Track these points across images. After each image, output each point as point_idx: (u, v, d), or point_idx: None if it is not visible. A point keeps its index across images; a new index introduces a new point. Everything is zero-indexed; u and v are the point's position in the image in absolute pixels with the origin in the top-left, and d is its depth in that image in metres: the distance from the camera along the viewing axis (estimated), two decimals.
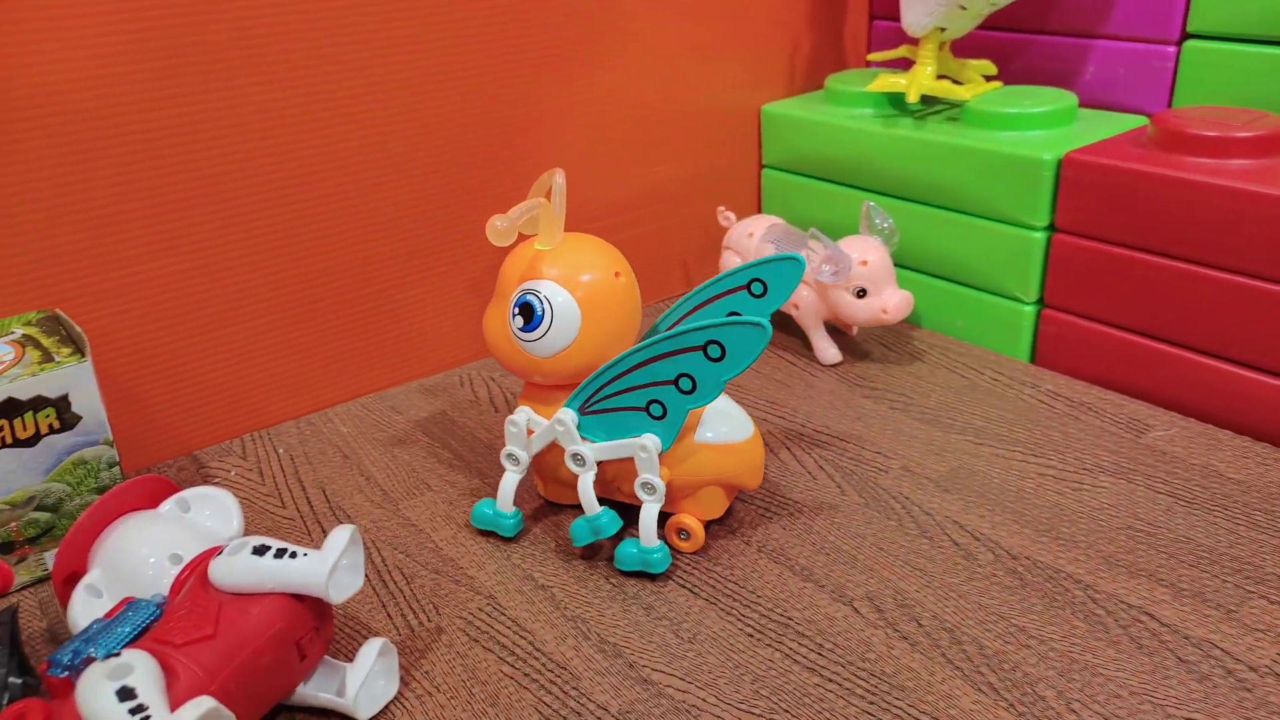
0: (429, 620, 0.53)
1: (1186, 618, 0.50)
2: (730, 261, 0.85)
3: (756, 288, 0.58)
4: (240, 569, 0.43)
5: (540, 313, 0.54)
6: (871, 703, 0.46)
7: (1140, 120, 0.78)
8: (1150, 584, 0.53)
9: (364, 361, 0.77)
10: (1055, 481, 0.62)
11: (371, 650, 0.45)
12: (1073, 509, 0.60)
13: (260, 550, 0.43)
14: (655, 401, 0.53)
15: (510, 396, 0.76)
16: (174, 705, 0.38)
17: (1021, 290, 0.77)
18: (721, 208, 0.88)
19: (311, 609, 0.44)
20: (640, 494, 0.55)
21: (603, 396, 0.55)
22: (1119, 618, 0.51)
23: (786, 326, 0.86)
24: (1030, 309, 0.78)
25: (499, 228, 0.54)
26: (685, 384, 0.52)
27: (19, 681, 0.45)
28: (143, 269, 0.65)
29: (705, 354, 0.51)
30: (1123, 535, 0.57)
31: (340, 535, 0.44)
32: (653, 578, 0.56)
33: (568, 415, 0.55)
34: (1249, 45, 0.74)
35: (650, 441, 0.54)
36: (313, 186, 0.70)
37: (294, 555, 0.43)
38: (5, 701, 0.44)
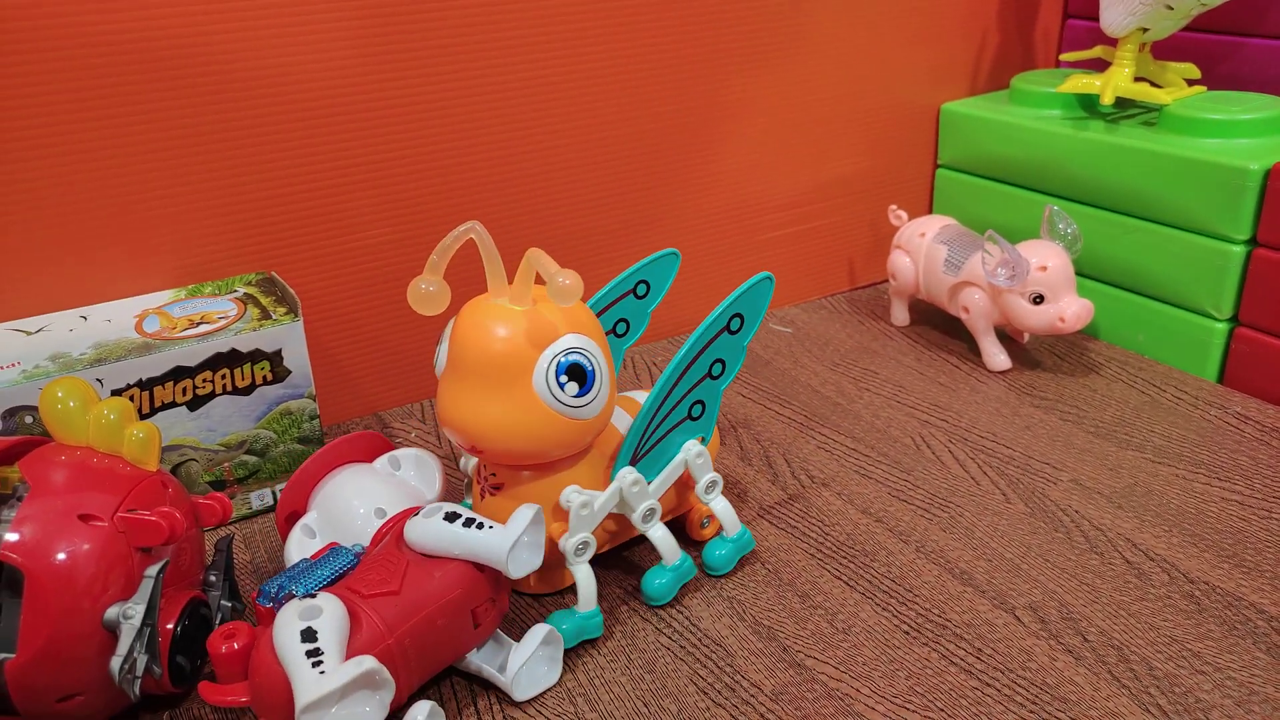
0: None
1: None
2: (900, 261, 0.84)
3: (641, 290, 0.62)
4: (431, 532, 0.46)
5: (592, 370, 0.48)
6: (1031, 712, 0.46)
7: None
8: None
9: None
10: (1240, 507, 0.59)
11: (537, 635, 0.47)
12: (1259, 537, 0.57)
13: (451, 517, 0.46)
14: (697, 402, 0.53)
15: None
16: (352, 651, 0.41)
17: (1214, 306, 0.73)
18: (893, 206, 0.87)
19: (490, 580, 0.47)
20: (704, 497, 0.55)
21: (654, 431, 0.52)
22: None
23: (954, 330, 0.84)
24: (1223, 326, 0.74)
25: (429, 291, 0.46)
26: (717, 369, 0.53)
27: (229, 605, 0.50)
28: (352, 238, 0.70)
29: (729, 330, 0.52)
30: None
31: (524, 513, 0.46)
32: (804, 566, 0.56)
33: (632, 473, 0.51)
34: None
35: (696, 444, 0.54)
36: (516, 167, 0.74)
37: (481, 526, 0.46)
38: (219, 621, 0.49)
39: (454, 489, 0.65)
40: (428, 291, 0.45)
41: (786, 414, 0.73)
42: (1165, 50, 0.87)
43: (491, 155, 0.73)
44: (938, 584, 0.54)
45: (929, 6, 0.89)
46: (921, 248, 0.82)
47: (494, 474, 0.51)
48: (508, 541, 0.45)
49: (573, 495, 0.50)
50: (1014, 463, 0.65)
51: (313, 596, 0.43)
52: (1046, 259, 0.73)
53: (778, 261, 0.90)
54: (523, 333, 0.47)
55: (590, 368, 0.47)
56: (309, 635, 0.40)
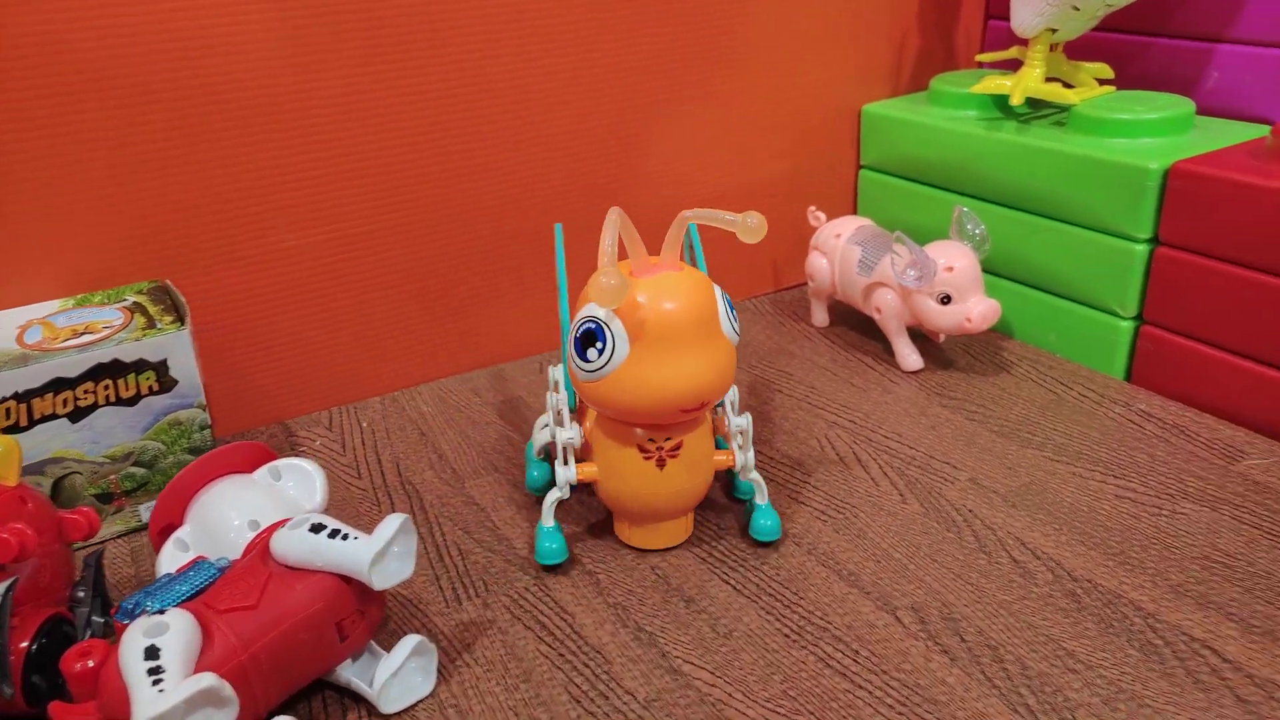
0: (477, 595, 0.55)
1: (1253, 656, 0.48)
2: (817, 262, 0.84)
3: None
4: (295, 544, 0.46)
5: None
6: (900, 713, 0.46)
7: (1263, 130, 0.74)
8: (1219, 618, 0.50)
9: (450, 344, 0.80)
10: (1132, 505, 0.60)
11: (406, 646, 0.47)
12: (1147, 534, 0.57)
13: (316, 528, 0.46)
14: None
15: None
16: (203, 668, 0.40)
17: (1120, 304, 0.74)
18: (812, 208, 0.87)
19: (357, 592, 0.46)
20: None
21: None
22: (1178, 650, 0.48)
23: (871, 331, 0.85)
24: (1128, 324, 0.74)
25: (616, 285, 0.47)
26: None
27: (101, 621, 0.49)
28: (250, 245, 0.69)
29: None
30: (1197, 565, 0.54)
31: (390, 523, 0.45)
32: (693, 571, 0.56)
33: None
34: None
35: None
36: (417, 168, 0.73)
37: (345, 537, 0.45)
38: (86, 637, 0.48)
39: (342, 500, 0.64)
40: (615, 285, 0.47)
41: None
42: (1079, 50, 0.87)
43: (404, 158, 0.73)
44: (825, 586, 0.54)
45: (852, 7, 0.89)
46: (837, 249, 0.82)
47: (669, 438, 0.54)
48: (370, 552, 0.44)
49: (742, 421, 0.57)
50: (915, 463, 0.65)
51: (163, 613, 0.42)
52: (954, 259, 0.73)
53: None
54: (703, 286, 0.52)
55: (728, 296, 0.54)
56: (151, 653, 0.40)
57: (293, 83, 0.67)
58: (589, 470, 0.56)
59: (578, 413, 0.60)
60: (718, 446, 0.59)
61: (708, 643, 0.51)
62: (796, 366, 0.80)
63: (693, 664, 0.49)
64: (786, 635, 0.51)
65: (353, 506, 0.64)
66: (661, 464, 0.54)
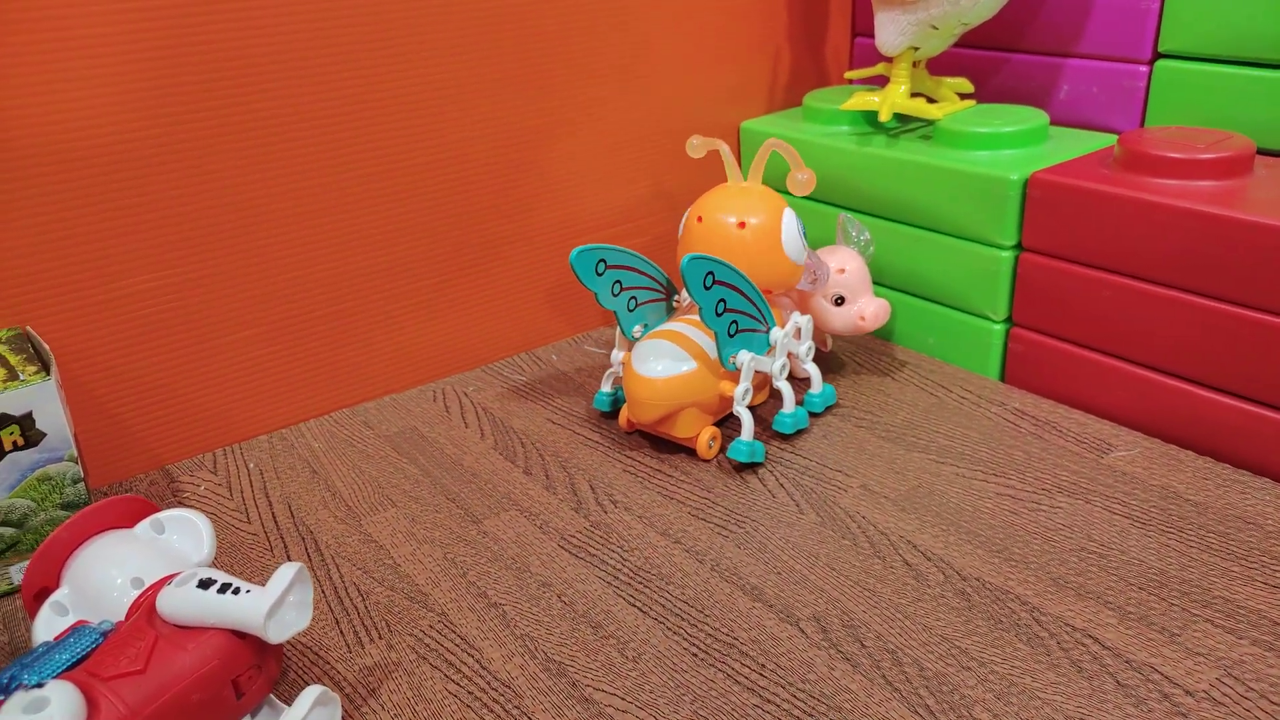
0: (380, 637, 0.54)
1: (1130, 641, 0.51)
2: None
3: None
4: (183, 602, 0.44)
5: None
6: None
7: (1112, 140, 0.79)
8: (1097, 606, 0.53)
9: (338, 376, 0.78)
10: (1012, 501, 0.63)
11: (308, 699, 0.45)
12: (1027, 529, 0.60)
13: (205, 584, 0.44)
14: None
15: (482, 410, 0.77)
16: None
17: (990, 309, 0.77)
18: None
19: (252, 646, 0.44)
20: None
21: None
22: (1062, 640, 0.51)
23: None
24: (999, 327, 0.78)
25: (808, 177, 0.72)
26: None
27: None
28: (117, 286, 0.66)
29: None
30: (1074, 557, 0.57)
31: (284, 573, 0.44)
32: (599, 595, 0.56)
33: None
34: (1220, 65, 0.74)
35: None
36: (289, 202, 0.71)
37: (237, 591, 0.44)
38: None
39: (232, 547, 0.62)
40: (808, 177, 0.71)
41: (595, 438, 0.73)
42: (942, 66, 0.91)
43: (277, 190, 0.70)
44: (729, 602, 0.55)
45: (722, 26, 0.91)
46: None
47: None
48: (265, 605, 0.43)
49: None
50: (809, 473, 0.67)
51: (42, 686, 0.40)
52: (845, 262, 0.76)
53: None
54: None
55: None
56: None
57: (135, 125, 0.64)
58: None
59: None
60: None
61: (617, 668, 0.51)
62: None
63: (604, 690, 0.49)
64: (694, 654, 0.52)
65: (244, 553, 0.61)
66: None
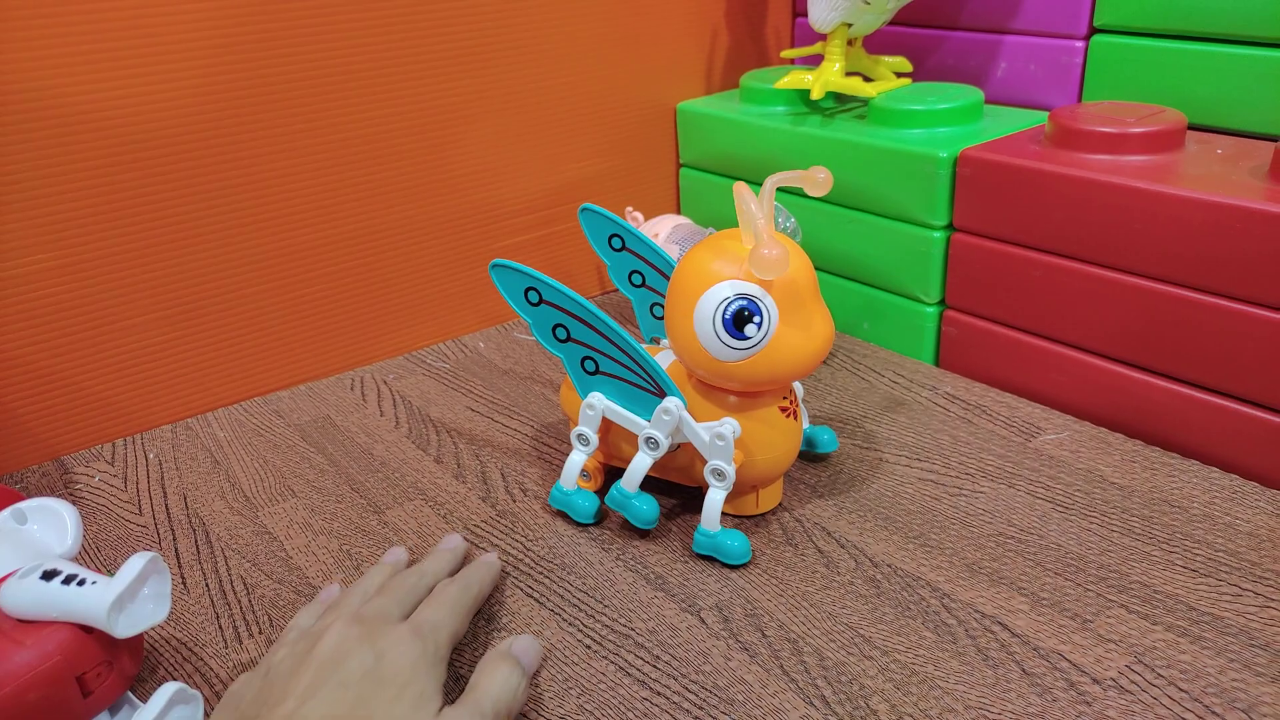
0: (260, 632, 0.51)
1: (1040, 628, 0.48)
2: None
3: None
4: (25, 595, 0.41)
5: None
6: (696, 717, 0.44)
7: (1045, 116, 0.77)
8: (1009, 593, 0.51)
9: (250, 363, 0.75)
10: (935, 486, 0.60)
11: (162, 696, 0.42)
12: (946, 514, 0.58)
13: (49, 575, 0.41)
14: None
15: (400, 398, 0.75)
16: None
17: (923, 291, 0.75)
18: (629, 208, 0.86)
19: (100, 642, 0.42)
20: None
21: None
22: (970, 628, 0.49)
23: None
24: (932, 310, 0.76)
25: (779, 255, 0.47)
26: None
27: None
28: (9, 266, 0.63)
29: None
30: (992, 542, 0.55)
31: (134, 564, 0.41)
32: (504, 586, 0.54)
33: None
34: (1155, 40, 0.72)
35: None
36: (196, 181, 0.69)
37: (82, 582, 0.41)
38: None
39: (118, 539, 0.59)
40: (780, 255, 0.47)
41: (513, 426, 0.70)
42: (879, 44, 0.89)
43: (184, 168, 0.68)
44: (630, 592, 0.53)
45: (663, 6, 0.88)
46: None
47: (789, 389, 0.55)
48: (109, 597, 0.40)
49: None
50: None
51: None
52: None
53: None
54: (795, 244, 0.53)
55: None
56: None
57: (36, 94, 0.61)
58: (736, 456, 0.54)
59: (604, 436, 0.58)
60: None
61: None
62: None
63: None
64: (588, 646, 0.49)
65: (130, 546, 0.59)
66: (795, 415, 0.55)
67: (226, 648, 0.50)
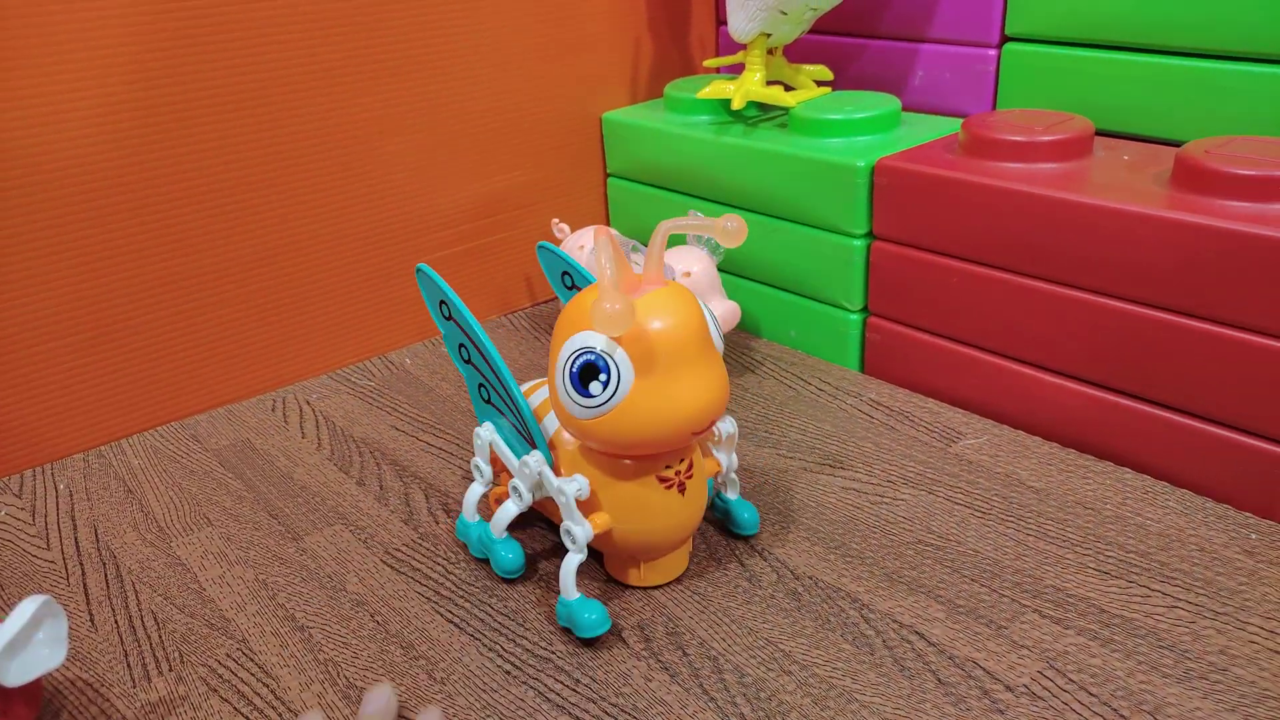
0: (170, 669, 0.50)
1: (956, 636, 0.49)
2: None
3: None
4: None
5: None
6: None
7: (959, 124, 0.78)
8: (927, 601, 0.51)
9: (165, 387, 0.73)
10: (856, 495, 0.61)
11: None
12: (867, 523, 0.58)
13: None
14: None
15: (323, 419, 0.73)
16: None
17: (846, 298, 0.76)
18: (555, 220, 0.86)
19: None
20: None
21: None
22: (888, 638, 0.49)
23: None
24: (856, 317, 0.76)
25: (620, 310, 0.42)
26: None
27: None
28: None
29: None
30: (911, 550, 0.56)
31: (24, 608, 0.40)
32: (416, 613, 0.53)
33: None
34: (1066, 48, 0.74)
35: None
36: (107, 197, 0.67)
37: None
38: None
39: (24, 576, 0.57)
40: (622, 310, 0.42)
41: (437, 444, 0.70)
42: (801, 53, 0.90)
43: (91, 184, 0.66)
44: (552, 614, 0.52)
45: (586, 15, 0.88)
46: (582, 260, 0.81)
47: (683, 459, 0.50)
48: None
49: (729, 426, 0.55)
50: None
51: None
52: (690, 265, 0.74)
53: (451, 281, 0.87)
54: (692, 300, 0.48)
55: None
56: None
57: None
58: (601, 520, 0.50)
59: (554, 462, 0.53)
60: None
61: (423, 690, 0.48)
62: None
63: (405, 715, 0.46)
64: (508, 671, 0.49)
65: (36, 582, 0.57)
66: (683, 489, 0.50)
67: (135, 686, 0.49)
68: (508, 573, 0.54)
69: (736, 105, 0.80)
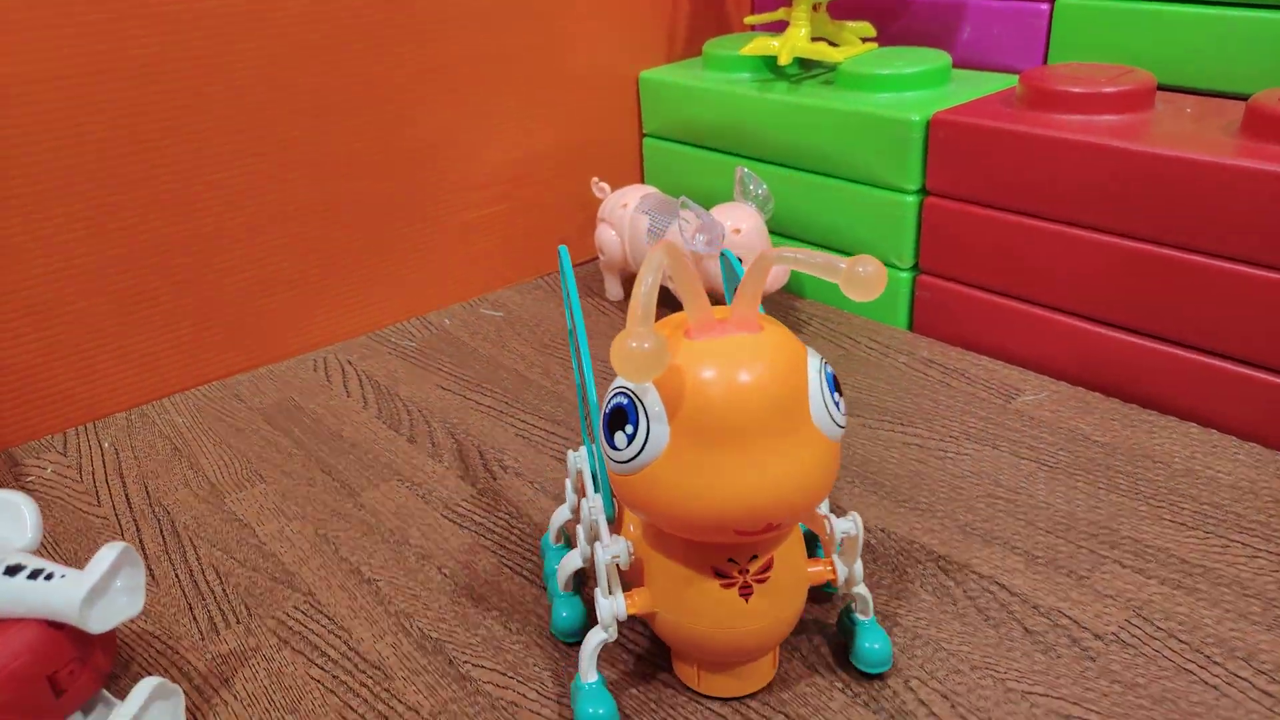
0: (238, 622, 0.49)
1: (1038, 586, 0.48)
2: (605, 235, 0.81)
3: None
4: None
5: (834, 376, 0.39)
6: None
7: (1015, 80, 0.76)
8: (1004, 553, 0.51)
9: (207, 347, 0.72)
10: (920, 450, 0.60)
11: (141, 692, 0.40)
12: (934, 478, 0.57)
13: (12, 570, 0.39)
14: None
15: (366, 378, 0.72)
16: None
17: (896, 256, 0.75)
18: (595, 179, 0.84)
19: (73, 638, 0.39)
20: None
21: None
22: (968, 589, 0.48)
23: (667, 300, 0.83)
24: (906, 275, 0.75)
25: (648, 350, 0.32)
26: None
27: None
28: None
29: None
30: (981, 503, 0.55)
31: (106, 555, 0.39)
32: (484, 566, 0.52)
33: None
34: (1119, 2, 0.72)
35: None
36: (152, 154, 0.65)
37: (50, 576, 0.39)
38: None
39: (78, 532, 0.56)
40: (647, 352, 0.32)
41: (485, 402, 0.68)
42: (844, 10, 0.88)
43: (137, 142, 0.64)
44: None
45: None
46: (625, 219, 0.80)
47: (755, 556, 0.38)
48: (80, 591, 0.38)
49: (849, 525, 0.42)
50: None
51: None
52: (740, 222, 0.72)
53: (486, 243, 0.86)
54: (790, 355, 0.36)
55: (833, 372, 0.38)
56: None
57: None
58: (641, 600, 0.41)
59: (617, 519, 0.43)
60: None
61: (499, 642, 0.47)
62: (591, 343, 0.77)
63: (483, 667, 0.45)
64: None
65: (91, 538, 0.56)
66: (746, 593, 0.39)
67: (203, 639, 0.48)
68: (562, 635, 0.45)
69: (783, 61, 0.79)
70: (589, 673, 0.41)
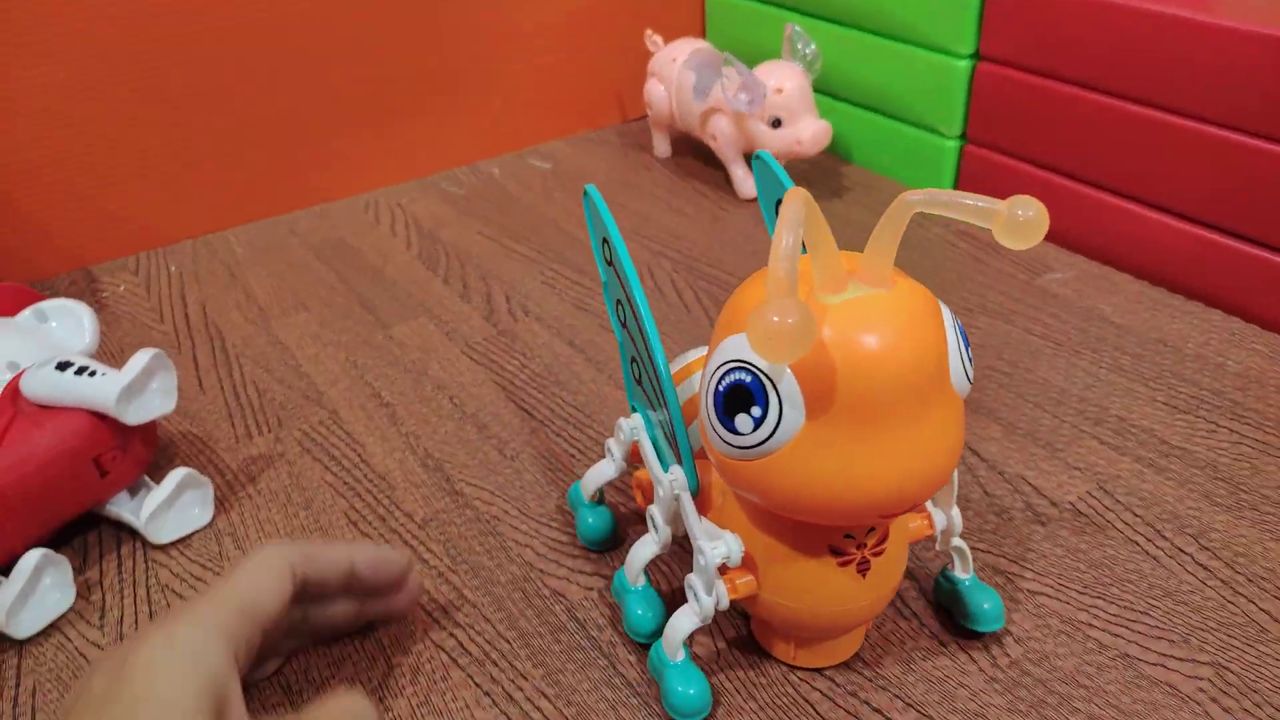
0: (269, 430, 0.54)
1: (1010, 455, 0.50)
2: (654, 89, 0.82)
3: None
4: (42, 383, 0.44)
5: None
6: None
7: None
8: (986, 421, 0.52)
9: (269, 184, 0.76)
10: None
11: (173, 479, 0.46)
12: None
13: (63, 366, 0.44)
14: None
15: (412, 221, 0.76)
16: None
17: (945, 124, 0.73)
18: (649, 32, 0.84)
19: (114, 428, 0.45)
20: None
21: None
22: None
23: (711, 160, 0.83)
24: (953, 144, 0.74)
25: (792, 325, 0.26)
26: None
27: None
28: (24, 77, 0.64)
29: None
30: (978, 375, 0.56)
31: (140, 358, 0.44)
32: (491, 399, 0.56)
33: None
34: None
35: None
36: (230, 5, 0.68)
37: (94, 374, 0.44)
38: None
39: (141, 344, 0.62)
40: (795, 328, 0.26)
41: (520, 250, 0.71)
42: None
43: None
44: (618, 408, 0.55)
45: None
46: (673, 75, 0.80)
47: (872, 529, 0.35)
48: (117, 386, 0.43)
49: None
50: (729, 288, 0.65)
51: None
52: (783, 81, 0.72)
53: (539, 92, 0.87)
54: (929, 314, 0.31)
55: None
56: None
57: None
58: (745, 586, 0.36)
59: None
60: None
61: (493, 465, 0.51)
62: (633, 198, 0.79)
63: (474, 485, 0.50)
64: (573, 455, 0.52)
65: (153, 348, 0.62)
66: (864, 568, 0.35)
67: (238, 442, 0.54)
68: (639, 636, 0.40)
69: None
70: (676, 651, 0.37)
